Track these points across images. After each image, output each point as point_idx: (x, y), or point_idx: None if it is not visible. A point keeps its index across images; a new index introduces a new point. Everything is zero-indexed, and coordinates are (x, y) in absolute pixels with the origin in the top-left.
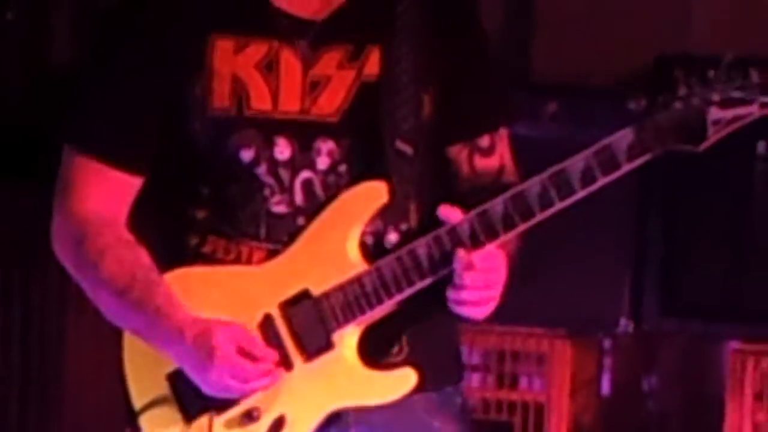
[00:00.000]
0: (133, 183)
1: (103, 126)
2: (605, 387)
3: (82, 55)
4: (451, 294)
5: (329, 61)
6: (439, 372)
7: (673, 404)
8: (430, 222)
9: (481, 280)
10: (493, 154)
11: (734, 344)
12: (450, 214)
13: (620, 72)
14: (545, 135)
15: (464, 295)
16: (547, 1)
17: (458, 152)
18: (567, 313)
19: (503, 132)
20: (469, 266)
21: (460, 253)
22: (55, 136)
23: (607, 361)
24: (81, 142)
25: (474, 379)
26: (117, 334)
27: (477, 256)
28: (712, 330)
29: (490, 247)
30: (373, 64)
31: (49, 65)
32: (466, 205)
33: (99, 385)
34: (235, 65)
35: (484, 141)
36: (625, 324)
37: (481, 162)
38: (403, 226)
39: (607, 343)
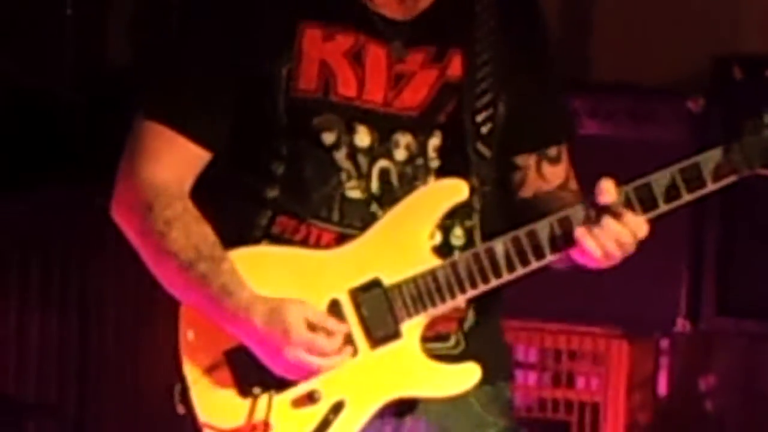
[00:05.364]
0: (202, 156)
1: (180, 96)
2: (662, 387)
3: (139, 54)
4: (588, 234)
5: (413, 61)
6: (493, 366)
7: (729, 404)
8: (493, 221)
9: (626, 238)
10: (560, 163)
11: None
12: (607, 187)
13: (675, 72)
14: (604, 133)
15: (599, 244)
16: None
17: (526, 159)
18: (624, 313)
19: (566, 145)
20: (621, 221)
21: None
22: (109, 133)
23: (664, 361)
24: (156, 109)
25: (530, 378)
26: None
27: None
28: None
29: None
30: (455, 67)
31: (106, 64)
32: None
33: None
34: (323, 51)
35: (552, 151)
36: (682, 324)
37: (549, 169)
38: (468, 223)
39: (663, 343)
